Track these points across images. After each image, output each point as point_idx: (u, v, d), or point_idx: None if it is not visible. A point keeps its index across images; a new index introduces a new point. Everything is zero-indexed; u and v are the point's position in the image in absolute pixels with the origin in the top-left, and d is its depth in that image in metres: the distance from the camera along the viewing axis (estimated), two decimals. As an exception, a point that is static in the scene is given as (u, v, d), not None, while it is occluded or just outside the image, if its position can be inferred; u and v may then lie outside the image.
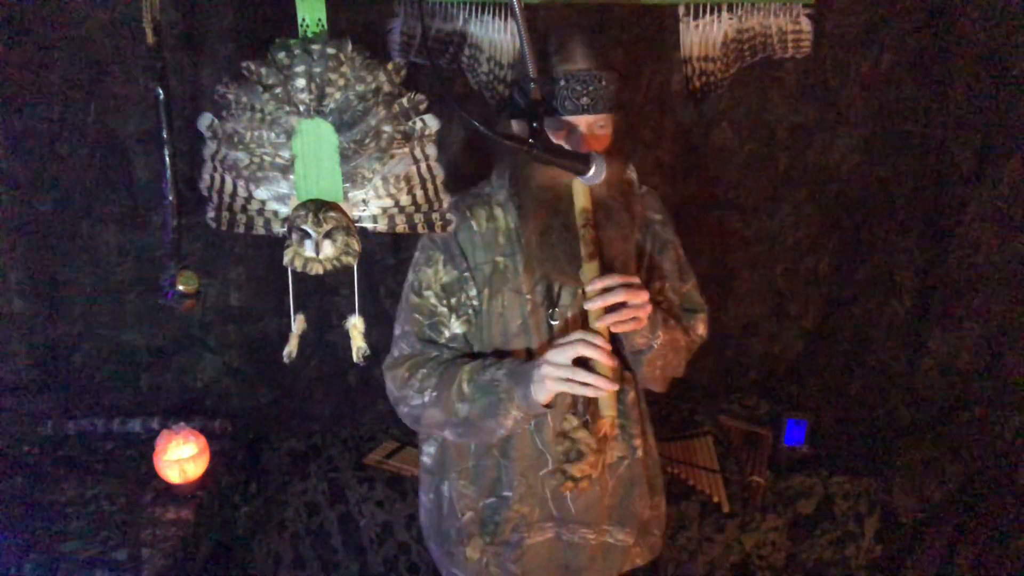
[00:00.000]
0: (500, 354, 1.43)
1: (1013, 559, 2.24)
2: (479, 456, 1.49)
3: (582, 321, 1.41)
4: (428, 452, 1.56)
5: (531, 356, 1.41)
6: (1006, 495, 2.34)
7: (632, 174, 1.51)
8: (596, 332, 1.27)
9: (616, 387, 1.25)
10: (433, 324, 1.44)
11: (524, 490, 1.47)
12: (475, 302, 1.43)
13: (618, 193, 1.40)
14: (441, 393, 1.38)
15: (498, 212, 1.44)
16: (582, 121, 1.32)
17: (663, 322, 1.43)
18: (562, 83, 1.29)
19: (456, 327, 1.44)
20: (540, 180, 1.36)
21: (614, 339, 1.33)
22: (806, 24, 2.17)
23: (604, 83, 1.30)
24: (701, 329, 1.58)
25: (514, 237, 1.42)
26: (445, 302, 1.43)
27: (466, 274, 1.42)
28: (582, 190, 1.31)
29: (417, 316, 1.44)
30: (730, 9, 2.13)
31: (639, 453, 1.54)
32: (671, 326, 1.46)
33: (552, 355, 1.28)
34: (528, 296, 1.41)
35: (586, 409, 1.44)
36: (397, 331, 1.48)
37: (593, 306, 1.27)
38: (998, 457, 2.45)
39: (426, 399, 1.39)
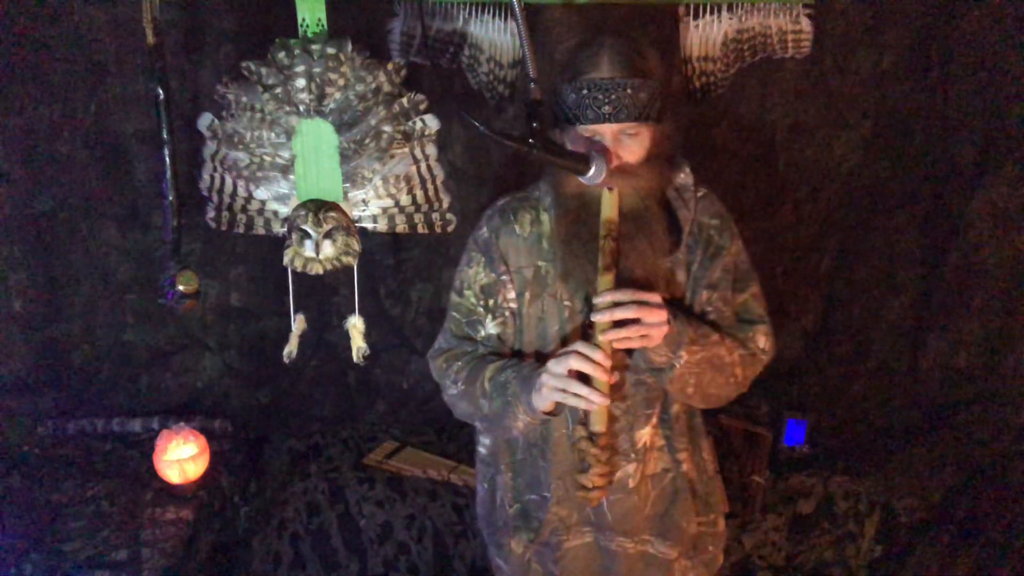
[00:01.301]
0: (538, 356, 1.44)
1: (1013, 559, 2.23)
2: (525, 451, 1.51)
3: None
4: (484, 443, 1.59)
5: None
6: (1006, 495, 2.34)
7: (687, 178, 1.44)
8: (596, 346, 1.26)
9: (607, 402, 1.26)
10: (471, 322, 1.48)
11: (562, 493, 1.48)
12: (513, 305, 1.45)
13: (656, 203, 1.36)
14: (468, 388, 1.42)
15: (544, 217, 1.43)
16: (606, 130, 1.29)
17: (699, 339, 1.35)
18: (584, 91, 1.27)
19: (491, 327, 1.46)
20: (570, 186, 1.35)
21: (632, 353, 1.35)
22: (806, 24, 2.17)
23: (631, 91, 1.26)
24: (762, 342, 1.45)
25: (556, 242, 1.41)
26: (483, 303, 1.46)
27: (504, 277, 1.43)
28: (610, 200, 1.29)
29: (455, 314, 1.50)
30: (730, 9, 2.13)
31: (684, 467, 1.49)
32: (711, 342, 1.37)
33: (551, 364, 1.28)
34: (567, 303, 1.41)
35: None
36: (445, 324, 1.54)
37: (599, 319, 1.26)
38: (998, 457, 2.45)
39: (458, 391, 1.44)
